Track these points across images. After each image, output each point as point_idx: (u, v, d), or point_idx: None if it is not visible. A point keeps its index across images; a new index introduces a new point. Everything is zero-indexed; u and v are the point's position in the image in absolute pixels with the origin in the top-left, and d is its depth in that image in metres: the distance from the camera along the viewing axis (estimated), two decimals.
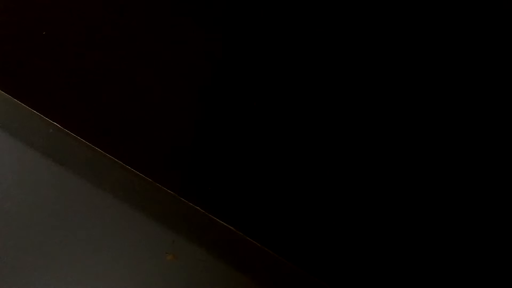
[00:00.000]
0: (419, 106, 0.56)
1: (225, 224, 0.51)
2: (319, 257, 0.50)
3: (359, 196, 0.52)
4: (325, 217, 0.51)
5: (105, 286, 0.55)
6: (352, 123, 0.56)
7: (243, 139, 0.55)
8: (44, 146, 0.60)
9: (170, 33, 0.61)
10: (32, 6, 0.62)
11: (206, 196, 0.52)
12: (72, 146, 0.56)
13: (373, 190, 0.53)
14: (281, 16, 0.61)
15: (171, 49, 0.60)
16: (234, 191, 0.53)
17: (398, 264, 0.50)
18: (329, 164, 0.54)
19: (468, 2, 0.61)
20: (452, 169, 0.54)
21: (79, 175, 0.59)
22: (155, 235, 0.56)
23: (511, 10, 0.60)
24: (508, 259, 0.50)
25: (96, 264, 0.56)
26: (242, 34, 0.61)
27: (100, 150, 0.54)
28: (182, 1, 0.62)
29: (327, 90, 0.57)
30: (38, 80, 0.58)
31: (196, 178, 0.53)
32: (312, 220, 0.51)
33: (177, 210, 0.54)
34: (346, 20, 0.61)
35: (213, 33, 0.61)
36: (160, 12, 0.62)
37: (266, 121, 0.56)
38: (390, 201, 0.52)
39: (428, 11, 0.61)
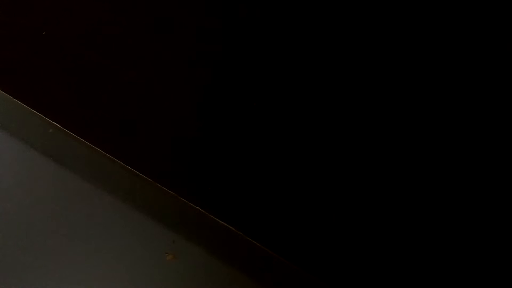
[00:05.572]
0: (419, 106, 0.56)
1: (225, 224, 0.51)
2: (319, 257, 0.50)
3: (359, 196, 0.52)
4: (325, 217, 0.51)
5: (105, 286, 0.55)
6: (352, 123, 0.56)
7: (243, 139, 0.55)
8: (44, 146, 0.60)
9: (170, 33, 0.61)
10: (32, 6, 0.62)
11: (206, 196, 0.52)
12: (72, 146, 0.56)
13: (373, 190, 0.53)
14: (281, 16, 0.61)
15: (171, 49, 0.60)
16: (234, 191, 0.53)
17: (398, 264, 0.50)
18: (329, 164, 0.54)
19: (468, 2, 0.61)
20: (452, 169, 0.54)
21: (79, 175, 0.59)
22: (155, 235, 0.56)
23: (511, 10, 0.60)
24: (508, 259, 0.50)
25: (96, 264, 0.56)
26: (242, 34, 0.61)
27: (100, 150, 0.54)
28: (182, 1, 0.62)
29: (327, 90, 0.57)
30: (38, 80, 0.58)
31: (196, 178, 0.53)
32: (312, 220, 0.51)
33: (177, 210, 0.54)
34: (346, 20, 0.61)
35: (213, 33, 0.61)
36: (160, 12, 0.62)
37: (266, 121, 0.56)
38: (390, 201, 0.52)
39: (428, 11, 0.61)
